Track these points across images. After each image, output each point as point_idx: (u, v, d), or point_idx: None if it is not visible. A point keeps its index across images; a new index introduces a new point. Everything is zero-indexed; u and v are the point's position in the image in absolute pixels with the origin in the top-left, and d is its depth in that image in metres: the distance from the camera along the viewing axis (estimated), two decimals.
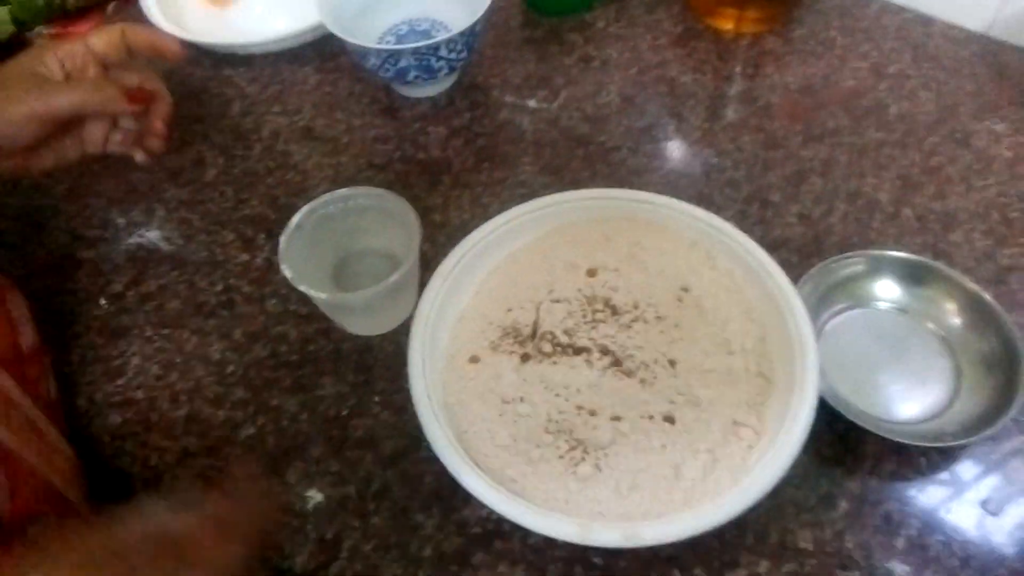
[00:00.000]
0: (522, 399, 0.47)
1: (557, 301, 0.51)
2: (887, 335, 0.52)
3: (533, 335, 0.50)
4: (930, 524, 0.45)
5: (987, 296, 0.50)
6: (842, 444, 0.48)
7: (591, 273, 0.53)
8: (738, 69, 0.70)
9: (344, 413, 0.51)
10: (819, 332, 0.52)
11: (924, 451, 0.48)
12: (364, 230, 0.55)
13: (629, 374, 0.48)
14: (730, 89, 0.68)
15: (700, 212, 0.52)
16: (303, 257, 0.51)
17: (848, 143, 0.64)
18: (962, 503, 0.46)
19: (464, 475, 0.42)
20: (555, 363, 0.49)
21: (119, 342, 0.56)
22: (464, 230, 0.60)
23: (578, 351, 0.49)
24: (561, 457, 0.45)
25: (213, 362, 0.55)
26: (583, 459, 0.45)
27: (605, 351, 0.49)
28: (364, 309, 0.52)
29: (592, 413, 0.46)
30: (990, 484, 0.47)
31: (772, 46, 0.71)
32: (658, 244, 0.53)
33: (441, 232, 0.60)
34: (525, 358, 0.49)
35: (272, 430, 0.51)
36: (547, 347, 0.49)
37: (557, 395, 0.47)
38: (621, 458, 0.45)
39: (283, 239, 0.50)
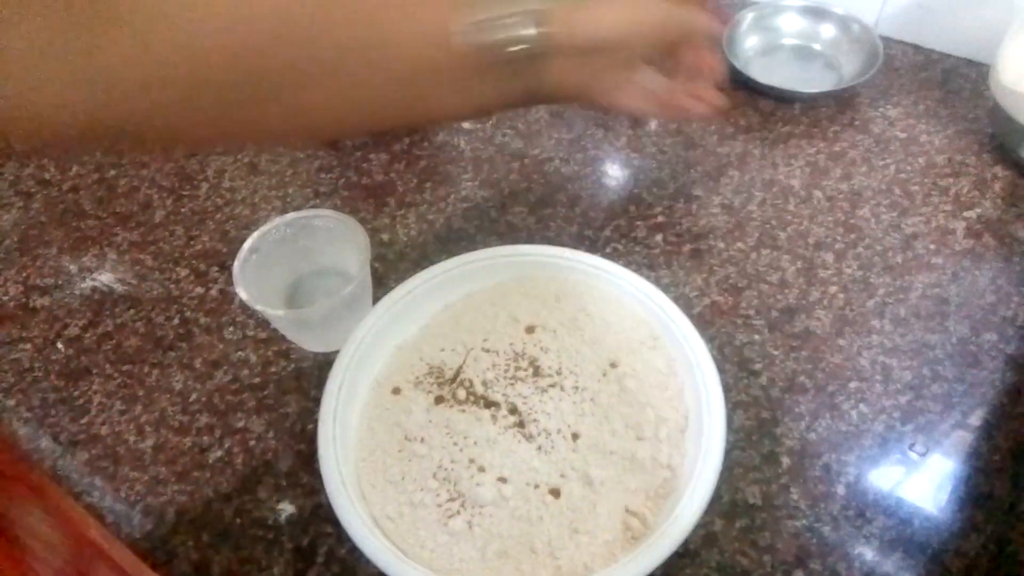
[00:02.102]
0: (422, 440, 0.48)
1: (487, 351, 0.52)
2: None
3: (453, 379, 0.51)
4: (866, 470, 0.49)
5: None
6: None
7: (529, 330, 0.53)
8: None
9: (310, 427, 0.53)
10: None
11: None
12: (316, 251, 0.57)
13: (529, 438, 0.47)
14: None
15: (657, 295, 0.51)
16: (258, 279, 0.53)
17: (759, 137, 0.69)
18: (892, 450, 0.50)
19: (338, 499, 0.43)
20: (463, 411, 0.49)
21: (80, 383, 0.57)
22: (412, 246, 0.63)
23: (488, 404, 0.49)
24: (439, 506, 0.45)
25: (176, 392, 0.56)
26: (458, 513, 0.45)
27: (513, 410, 0.49)
28: (320, 324, 0.54)
29: (480, 469, 0.46)
30: (915, 428, 0.51)
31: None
32: (604, 314, 0.53)
33: (390, 250, 0.63)
34: (439, 400, 0.50)
35: (240, 451, 0.53)
36: (462, 393, 0.50)
37: (455, 443, 0.47)
38: (496, 521, 0.44)
39: (237, 263, 0.52)
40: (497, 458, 0.47)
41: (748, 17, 0.75)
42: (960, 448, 0.50)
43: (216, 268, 0.63)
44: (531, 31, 0.36)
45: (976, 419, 0.51)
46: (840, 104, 0.71)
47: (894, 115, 0.70)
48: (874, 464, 0.50)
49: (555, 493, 0.45)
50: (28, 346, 0.59)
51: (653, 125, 0.71)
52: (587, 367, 0.50)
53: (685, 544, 0.46)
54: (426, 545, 0.44)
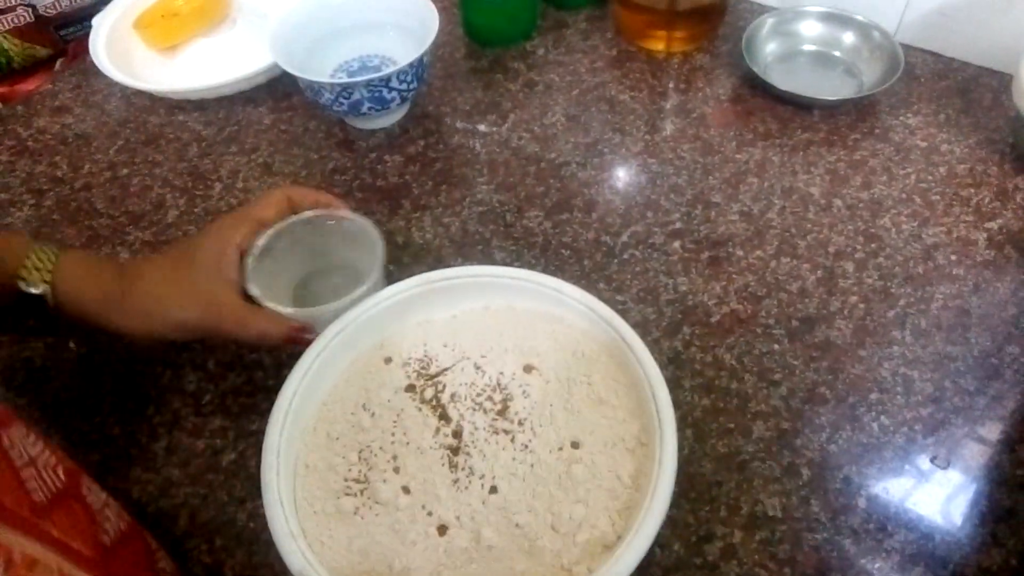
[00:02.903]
0: (373, 414, 0.48)
1: (477, 368, 0.51)
2: None
3: (431, 377, 0.50)
4: (887, 483, 0.49)
5: None
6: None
7: (527, 369, 0.50)
8: (671, 85, 0.74)
9: None
10: None
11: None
12: (329, 251, 0.57)
13: (452, 467, 0.46)
14: (666, 103, 0.73)
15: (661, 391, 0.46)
16: (269, 277, 0.53)
17: (779, 144, 0.68)
18: (913, 463, 0.49)
19: (271, 433, 0.45)
20: (419, 409, 0.49)
21: (91, 383, 0.56)
22: (428, 249, 0.63)
23: (442, 416, 0.48)
24: (344, 480, 0.46)
25: (189, 393, 0.55)
26: (354, 495, 0.45)
27: (457, 434, 0.47)
28: (331, 323, 0.53)
29: (395, 470, 0.46)
30: (936, 441, 0.50)
31: (701, 62, 0.76)
32: (603, 392, 0.49)
33: (405, 253, 0.62)
34: (409, 388, 0.50)
35: (254, 453, 0.52)
36: (429, 393, 0.49)
37: (392, 434, 0.48)
38: (376, 523, 0.44)
39: (249, 260, 0.51)
40: (414, 468, 0.46)
41: (768, 23, 0.75)
42: (981, 461, 0.50)
43: None
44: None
45: (998, 432, 0.51)
46: (860, 112, 0.70)
47: (914, 124, 0.69)
48: (895, 477, 0.49)
49: (441, 530, 0.44)
50: (40, 344, 0.59)
51: (669, 130, 0.70)
52: (550, 434, 0.47)
53: (703, 556, 0.46)
54: (315, 506, 0.45)
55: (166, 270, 0.51)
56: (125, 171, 0.71)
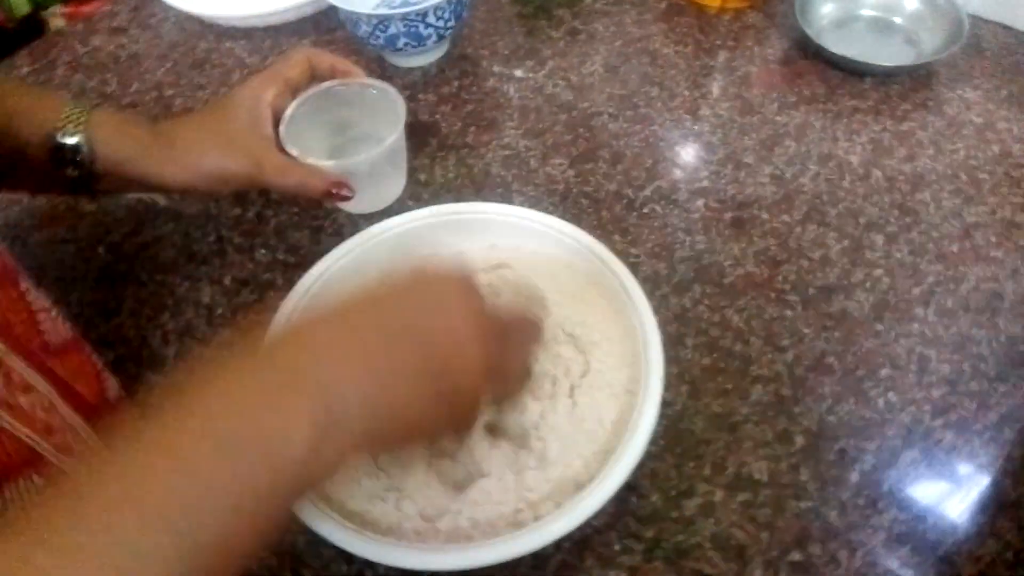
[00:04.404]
0: None
1: None
2: None
3: None
4: (885, 461, 0.47)
5: None
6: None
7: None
8: (719, 42, 0.72)
9: None
10: None
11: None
12: (353, 120, 0.61)
13: None
14: (710, 60, 0.70)
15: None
16: (301, 142, 0.56)
17: (823, 109, 0.65)
18: (916, 444, 0.47)
19: None
20: None
21: (115, 286, 0.59)
22: (448, 188, 0.63)
23: None
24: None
25: (203, 305, 0.57)
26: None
27: None
28: (366, 178, 0.56)
29: None
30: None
31: (754, 21, 0.73)
32: (610, 332, 0.49)
33: (426, 190, 0.63)
34: None
35: None
36: None
37: None
38: None
39: (282, 127, 0.55)
40: None
41: None
42: (991, 451, 0.47)
43: (257, 192, 0.64)
44: None
45: (1013, 422, 0.48)
46: (914, 82, 0.67)
47: (972, 98, 0.65)
48: (894, 456, 0.47)
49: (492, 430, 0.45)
50: (72, 247, 0.62)
51: (710, 88, 0.68)
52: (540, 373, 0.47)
53: (680, 511, 0.45)
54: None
55: (205, 123, 0.53)
56: (170, 92, 0.73)
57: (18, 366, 0.35)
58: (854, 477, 0.46)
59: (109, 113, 0.52)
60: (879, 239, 0.57)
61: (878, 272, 0.55)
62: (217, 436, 0.28)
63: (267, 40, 0.77)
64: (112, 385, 0.48)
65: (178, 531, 0.26)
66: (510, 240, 0.53)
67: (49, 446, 0.35)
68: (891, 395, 0.49)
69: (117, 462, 0.27)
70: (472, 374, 0.34)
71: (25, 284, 0.41)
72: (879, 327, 0.52)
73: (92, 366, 0.45)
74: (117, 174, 0.51)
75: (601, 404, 0.45)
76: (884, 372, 0.50)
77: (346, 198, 0.53)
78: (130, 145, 0.51)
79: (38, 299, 0.42)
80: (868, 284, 0.55)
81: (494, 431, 0.45)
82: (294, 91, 0.56)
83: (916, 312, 0.53)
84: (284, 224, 0.61)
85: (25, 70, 0.77)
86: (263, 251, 0.60)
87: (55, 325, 0.42)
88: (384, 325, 0.33)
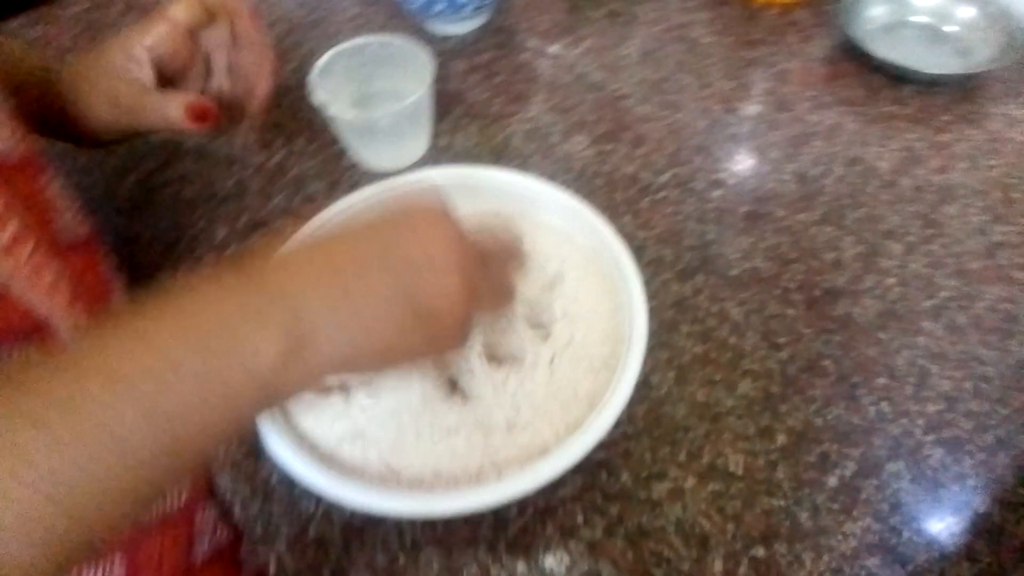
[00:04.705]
0: None
1: None
2: None
3: None
4: (866, 469, 0.46)
5: None
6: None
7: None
8: (760, 36, 0.70)
9: None
10: None
11: None
12: (381, 75, 0.62)
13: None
14: (749, 53, 0.69)
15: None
16: (329, 91, 0.57)
17: (858, 113, 0.64)
18: (903, 457, 0.46)
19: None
20: None
21: (134, 217, 0.61)
22: (467, 155, 0.63)
23: None
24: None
25: (216, 243, 0.59)
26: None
27: None
28: (386, 133, 0.58)
29: None
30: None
31: (799, 18, 0.72)
32: (598, 306, 0.49)
33: (444, 155, 0.63)
34: None
35: None
36: None
37: None
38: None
39: (313, 74, 0.58)
40: None
41: None
42: (982, 473, 0.45)
43: (281, 141, 0.65)
44: None
45: (1010, 447, 0.46)
46: (959, 94, 0.64)
47: (1018, 115, 0.62)
48: (878, 466, 0.46)
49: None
50: (102, 174, 0.64)
51: (744, 80, 0.66)
52: (524, 342, 0.47)
53: (649, 492, 0.45)
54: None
55: (81, 76, 0.52)
56: None
57: (27, 250, 0.36)
58: (832, 481, 0.45)
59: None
60: (897, 248, 0.55)
61: (890, 281, 0.53)
62: (193, 333, 0.29)
63: None
64: (118, 292, 0.49)
65: (146, 410, 0.27)
66: (515, 207, 0.53)
67: (56, 319, 0.37)
68: (884, 405, 0.48)
69: (95, 340, 0.29)
70: (449, 296, 0.34)
71: (47, 177, 0.42)
72: (882, 335, 0.51)
73: (102, 270, 0.47)
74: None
75: (579, 377, 0.45)
76: (880, 381, 0.49)
77: (209, 123, 0.51)
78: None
79: (58, 194, 0.43)
80: (878, 291, 0.53)
81: (487, 355, 0.46)
82: (190, 31, 0.52)
83: (923, 325, 0.51)
84: (304, 174, 0.62)
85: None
86: (280, 198, 0.61)
87: (71, 222, 0.44)
88: (360, 252, 0.34)
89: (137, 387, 0.27)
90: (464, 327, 0.36)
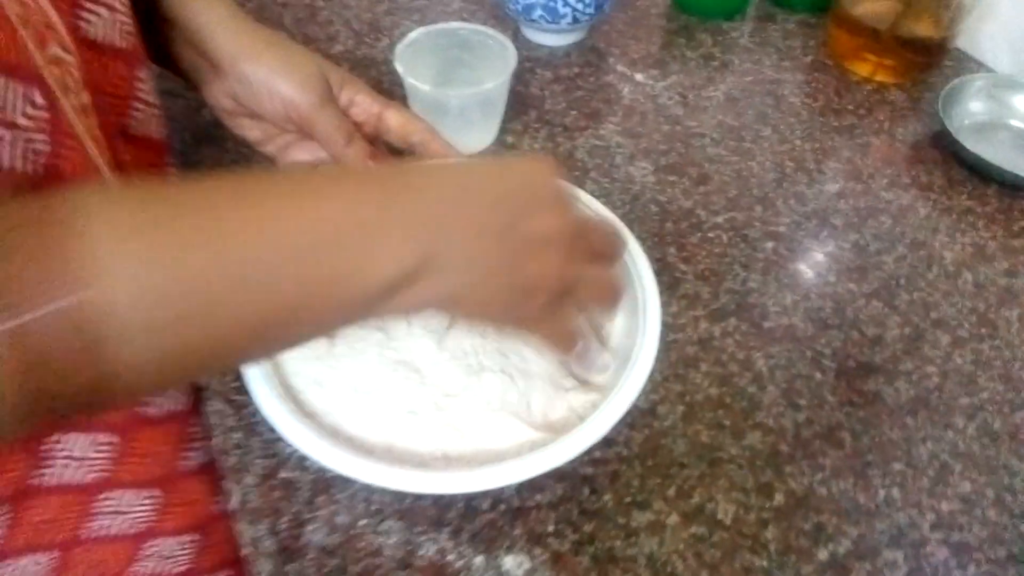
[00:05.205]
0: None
1: None
2: None
3: None
4: (862, 551, 0.43)
5: None
6: None
7: None
8: (851, 107, 0.69)
9: None
10: None
11: None
12: (463, 62, 0.63)
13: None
14: (835, 121, 0.68)
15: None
16: (412, 66, 0.59)
17: (933, 199, 0.61)
18: (904, 548, 0.43)
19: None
20: None
21: (203, 147, 0.63)
22: None
23: None
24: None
25: None
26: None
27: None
28: (456, 116, 0.58)
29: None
30: None
31: (894, 98, 0.70)
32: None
33: (508, 152, 0.63)
34: None
35: None
36: None
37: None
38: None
39: (399, 47, 0.59)
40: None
41: (976, 83, 0.67)
42: None
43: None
44: None
45: (1023, 568, 0.43)
46: None
47: None
48: (874, 551, 0.43)
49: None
50: (183, 103, 0.66)
51: (824, 144, 0.65)
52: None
53: (628, 519, 0.43)
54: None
55: (275, 46, 0.50)
56: (321, 3, 0.78)
57: (91, 124, 0.38)
58: (822, 555, 0.43)
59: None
60: (944, 339, 0.52)
61: (930, 369, 0.51)
62: (330, 223, 0.29)
63: None
64: None
65: (257, 271, 0.27)
66: None
67: (108, 171, 0.38)
68: (895, 490, 0.45)
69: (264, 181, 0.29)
70: (547, 278, 0.35)
71: (143, 73, 0.44)
72: (909, 421, 0.48)
73: (162, 170, 0.48)
74: None
75: (583, 396, 0.44)
76: (896, 466, 0.46)
77: None
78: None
79: (146, 91, 0.44)
80: (915, 377, 0.50)
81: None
82: (373, 133, 0.50)
83: (955, 421, 0.48)
84: None
85: None
86: None
87: (147, 120, 0.45)
88: (493, 208, 0.33)
89: (268, 251, 0.27)
90: (553, 311, 0.37)
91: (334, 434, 0.41)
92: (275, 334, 0.29)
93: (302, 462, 0.44)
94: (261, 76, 0.47)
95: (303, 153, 0.51)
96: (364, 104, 0.50)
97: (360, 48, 0.73)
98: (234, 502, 0.44)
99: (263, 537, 0.42)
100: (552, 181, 0.35)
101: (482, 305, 0.35)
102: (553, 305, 0.36)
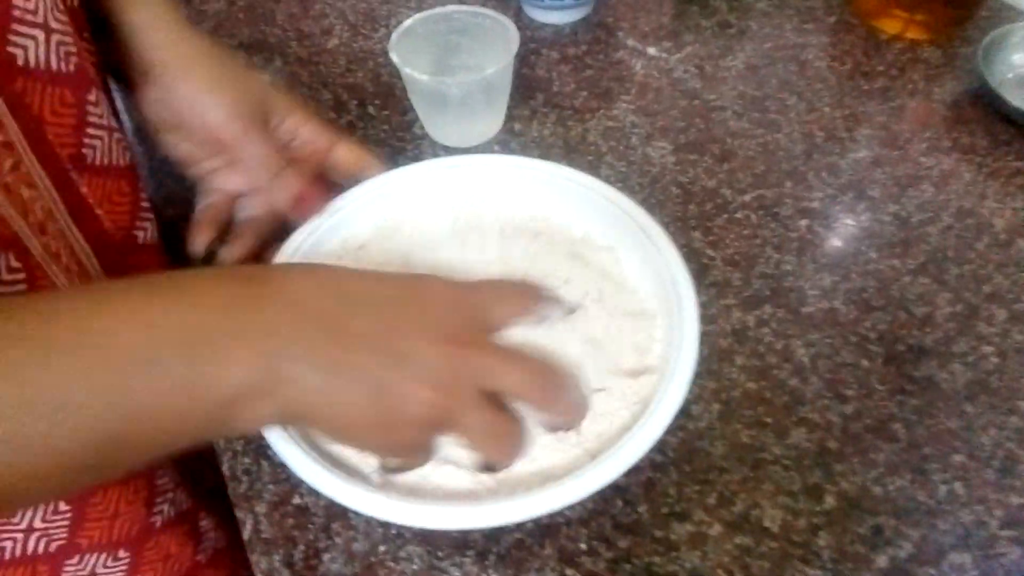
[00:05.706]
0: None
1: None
2: None
3: None
4: (925, 555, 0.39)
5: None
6: None
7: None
8: (881, 68, 0.64)
9: None
10: None
11: None
12: (463, 47, 0.60)
13: None
14: (865, 84, 0.63)
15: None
16: (409, 55, 0.55)
17: (978, 161, 0.57)
18: (971, 548, 0.39)
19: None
20: None
21: None
22: (540, 144, 0.60)
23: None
24: None
25: None
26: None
27: None
28: (458, 106, 0.55)
29: None
30: None
31: (928, 56, 0.65)
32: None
33: (517, 140, 0.60)
34: None
35: None
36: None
37: None
38: None
39: (395, 35, 0.56)
40: None
41: (1018, 33, 0.62)
42: None
43: (356, 102, 0.63)
44: None
45: None
46: None
47: None
48: (940, 553, 0.39)
49: None
50: None
51: (855, 109, 0.61)
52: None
53: (667, 532, 0.40)
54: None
55: (205, 55, 0.46)
56: None
57: (27, 159, 0.35)
58: (882, 562, 0.39)
59: None
60: (1001, 314, 0.48)
61: (987, 349, 0.47)
62: (178, 332, 0.29)
63: None
64: (150, 229, 0.47)
65: (106, 387, 0.27)
66: (569, 215, 0.48)
67: (34, 239, 0.35)
68: (958, 485, 0.41)
69: (83, 297, 0.30)
70: (417, 417, 0.32)
71: (96, 96, 0.40)
72: (968, 408, 0.44)
73: (132, 200, 0.45)
74: None
75: (612, 413, 0.40)
76: (957, 459, 0.42)
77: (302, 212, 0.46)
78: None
79: (103, 115, 0.41)
80: (971, 359, 0.46)
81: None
82: (320, 164, 0.49)
83: (1019, 405, 0.44)
84: (369, 138, 0.60)
85: None
86: None
87: (109, 146, 0.42)
88: (364, 327, 0.32)
89: (110, 361, 0.27)
90: (419, 450, 0.35)
91: (353, 472, 0.38)
92: (122, 446, 0.29)
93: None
94: (185, 93, 0.43)
95: (230, 181, 0.47)
96: (310, 136, 0.48)
97: (356, 40, 0.69)
98: (246, 532, 0.41)
99: (278, 569, 0.40)
100: (442, 293, 0.35)
101: (347, 428, 0.33)
102: (443, 431, 0.34)
